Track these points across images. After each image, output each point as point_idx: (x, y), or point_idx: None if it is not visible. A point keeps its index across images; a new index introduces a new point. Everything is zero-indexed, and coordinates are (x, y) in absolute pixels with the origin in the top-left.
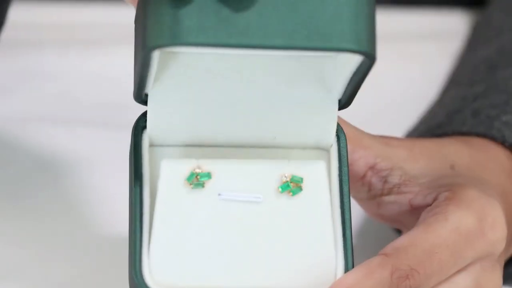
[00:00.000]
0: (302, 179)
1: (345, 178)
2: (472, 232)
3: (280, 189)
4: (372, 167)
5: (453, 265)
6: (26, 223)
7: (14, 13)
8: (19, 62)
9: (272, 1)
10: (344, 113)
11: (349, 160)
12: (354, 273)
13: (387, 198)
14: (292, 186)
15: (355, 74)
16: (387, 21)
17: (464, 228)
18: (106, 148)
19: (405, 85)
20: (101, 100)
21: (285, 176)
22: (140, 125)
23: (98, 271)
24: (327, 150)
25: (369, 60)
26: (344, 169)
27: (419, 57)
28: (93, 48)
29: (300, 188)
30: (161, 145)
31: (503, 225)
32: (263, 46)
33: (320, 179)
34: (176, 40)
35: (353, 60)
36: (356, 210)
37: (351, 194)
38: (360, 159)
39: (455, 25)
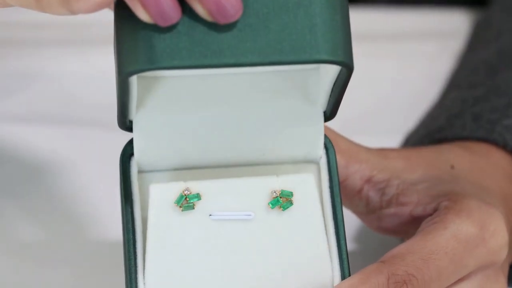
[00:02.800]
0: (292, 193)
1: (336, 189)
2: (472, 240)
3: (270, 205)
4: (368, 181)
5: (453, 272)
6: (26, 222)
7: (14, 13)
8: (19, 62)
9: (244, 19)
10: (345, 113)
11: (344, 174)
12: (350, 279)
13: (386, 211)
14: (282, 201)
15: (336, 85)
16: (387, 21)
17: (463, 236)
18: (106, 149)
19: (405, 85)
20: (101, 100)
21: (275, 192)
22: (128, 152)
23: (97, 272)
24: (316, 163)
25: (346, 69)
26: (335, 179)
27: (419, 57)
28: (93, 48)
29: (291, 202)
30: (150, 171)
31: (504, 234)
32: (237, 64)
33: (310, 191)
34: (151, 64)
35: (332, 71)
36: (354, 216)
37: (350, 209)
38: (355, 173)
39: (455, 25)
